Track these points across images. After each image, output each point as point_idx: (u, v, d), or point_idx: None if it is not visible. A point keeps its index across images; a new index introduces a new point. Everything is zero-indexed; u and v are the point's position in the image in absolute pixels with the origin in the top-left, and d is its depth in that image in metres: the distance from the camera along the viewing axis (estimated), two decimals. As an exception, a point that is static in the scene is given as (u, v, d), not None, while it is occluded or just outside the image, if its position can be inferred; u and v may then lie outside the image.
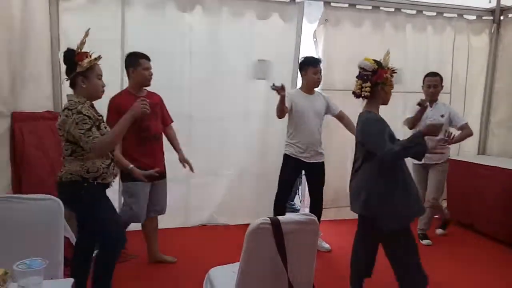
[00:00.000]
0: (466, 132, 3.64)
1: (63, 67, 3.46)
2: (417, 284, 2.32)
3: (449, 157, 3.86)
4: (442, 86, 3.70)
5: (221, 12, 3.83)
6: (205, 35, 3.82)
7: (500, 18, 4.53)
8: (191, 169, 3.07)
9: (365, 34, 4.25)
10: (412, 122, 3.49)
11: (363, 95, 2.36)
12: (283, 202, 3.48)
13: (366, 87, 2.33)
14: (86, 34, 2.23)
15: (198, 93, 3.87)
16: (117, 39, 3.58)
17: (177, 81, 3.80)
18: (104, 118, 2.35)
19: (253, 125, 4.05)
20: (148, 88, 3.00)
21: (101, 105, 2.54)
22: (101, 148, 2.07)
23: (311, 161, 3.36)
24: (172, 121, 3.14)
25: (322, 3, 4.07)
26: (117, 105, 2.73)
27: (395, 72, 2.44)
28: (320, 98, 3.44)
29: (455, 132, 3.48)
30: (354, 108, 4.21)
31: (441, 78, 3.69)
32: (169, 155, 3.43)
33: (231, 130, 4.02)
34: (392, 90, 2.45)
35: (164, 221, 3.80)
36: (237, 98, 3.98)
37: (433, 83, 3.63)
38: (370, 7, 4.21)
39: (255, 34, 3.93)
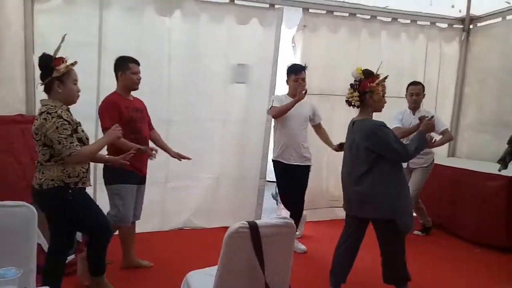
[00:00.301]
0: (446, 136, 3.79)
1: (38, 70, 3.45)
2: (405, 281, 2.48)
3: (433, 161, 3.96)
4: (424, 94, 3.85)
5: (201, 17, 3.85)
6: (184, 39, 3.83)
7: (469, 27, 4.75)
8: (187, 158, 3.12)
9: (342, 40, 4.36)
10: (406, 133, 3.55)
11: (352, 103, 2.48)
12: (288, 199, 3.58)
13: (354, 96, 2.46)
14: (63, 39, 2.22)
15: (176, 97, 3.87)
16: (94, 42, 3.54)
17: (155, 85, 3.77)
18: (81, 123, 2.32)
19: (231, 129, 4.07)
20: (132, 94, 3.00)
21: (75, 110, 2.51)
22: (78, 158, 2.09)
23: (294, 164, 3.40)
24: (153, 128, 3.15)
25: (301, 9, 4.16)
26: (114, 103, 2.75)
27: (383, 81, 2.50)
28: (308, 105, 3.51)
29: (436, 137, 3.61)
30: (329, 112, 4.41)
31: (423, 87, 3.85)
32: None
33: (209, 134, 4.03)
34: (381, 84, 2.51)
35: (141, 225, 3.77)
36: (216, 102, 4.00)
37: (416, 92, 3.78)
38: (347, 14, 4.33)
39: (234, 38, 3.96)
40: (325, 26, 4.28)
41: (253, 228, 1.52)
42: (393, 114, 3.92)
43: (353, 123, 2.55)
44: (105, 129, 2.68)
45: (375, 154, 2.36)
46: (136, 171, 2.80)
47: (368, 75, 2.46)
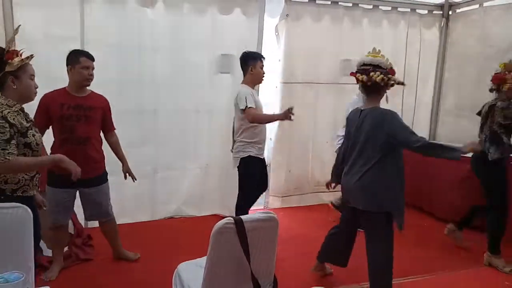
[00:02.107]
0: None
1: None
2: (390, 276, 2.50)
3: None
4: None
5: (183, 8, 3.84)
6: (167, 30, 3.82)
7: (449, 13, 4.83)
8: (133, 178, 3.05)
9: (324, 28, 4.41)
10: None
11: (390, 87, 2.41)
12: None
13: (390, 79, 2.37)
14: (16, 31, 2.10)
15: (162, 88, 3.89)
16: (76, 35, 3.52)
17: (140, 77, 3.79)
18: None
19: (217, 119, 4.12)
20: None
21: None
22: (7, 168, 1.84)
23: (263, 158, 3.33)
24: (114, 128, 3.03)
25: (283, -2, 4.18)
26: (45, 102, 2.67)
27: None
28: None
29: None
30: (312, 100, 4.49)
31: None
32: (135, 150, 3.48)
33: (196, 125, 4.08)
34: (349, 83, 2.55)
35: (132, 216, 3.88)
36: (201, 92, 4.03)
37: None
38: (329, 2, 4.37)
39: (218, 29, 3.97)
40: (307, 14, 4.31)
41: (239, 223, 1.61)
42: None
43: (360, 111, 2.47)
44: None
45: (384, 145, 2.30)
46: (62, 173, 2.38)
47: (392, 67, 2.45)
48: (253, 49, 4.07)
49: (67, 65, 2.76)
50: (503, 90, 3.05)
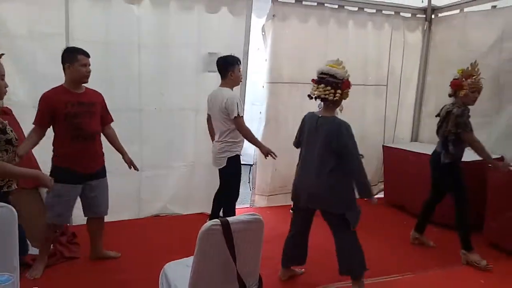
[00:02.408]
0: None
1: (3, 61, 3.35)
2: (361, 272, 2.67)
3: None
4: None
5: (170, 5, 3.83)
6: (154, 28, 3.82)
7: (431, 17, 4.95)
8: (135, 168, 3.10)
9: (311, 29, 4.46)
10: None
11: (331, 100, 2.53)
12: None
13: (337, 93, 2.51)
14: None
15: (148, 86, 3.88)
16: (61, 32, 3.48)
17: (126, 74, 3.78)
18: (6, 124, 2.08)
19: (203, 117, 4.09)
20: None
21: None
22: None
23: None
24: (112, 120, 3.08)
25: (270, -2, 4.20)
26: (47, 99, 2.69)
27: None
28: None
29: None
30: (299, 100, 4.54)
31: None
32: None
33: (182, 123, 4.09)
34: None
35: (117, 214, 3.86)
36: (187, 91, 4.03)
37: None
38: (315, 4, 4.42)
39: (205, 27, 3.98)
40: (294, 15, 4.35)
41: (225, 225, 1.65)
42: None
43: (317, 118, 2.63)
44: (34, 123, 2.67)
45: (335, 151, 2.51)
46: (76, 167, 2.72)
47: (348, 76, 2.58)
48: (240, 48, 4.12)
49: (63, 63, 2.75)
50: (459, 96, 3.18)
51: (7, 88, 2.05)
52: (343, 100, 2.67)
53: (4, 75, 2.01)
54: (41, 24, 3.45)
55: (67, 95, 2.73)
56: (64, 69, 2.76)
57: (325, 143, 2.54)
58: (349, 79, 2.59)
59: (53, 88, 2.76)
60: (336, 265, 2.71)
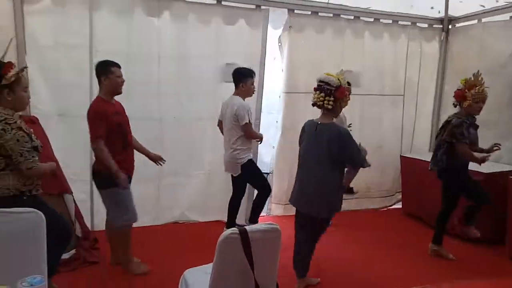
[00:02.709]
0: None
1: (31, 70, 3.50)
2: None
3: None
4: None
5: (189, 17, 3.93)
6: (173, 40, 3.92)
7: (448, 27, 4.94)
8: (163, 161, 3.27)
9: (327, 40, 4.51)
10: None
11: (326, 107, 2.65)
12: None
13: (329, 100, 2.62)
14: (10, 42, 2.25)
15: (167, 97, 3.98)
16: (85, 43, 3.62)
17: (146, 85, 3.88)
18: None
19: (221, 127, 4.20)
20: (123, 95, 3.08)
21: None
22: (36, 173, 2.14)
23: None
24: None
25: (286, 10, 4.27)
26: (103, 112, 2.80)
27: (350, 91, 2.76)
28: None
29: None
30: (315, 109, 4.54)
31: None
32: (141, 156, 3.54)
33: (200, 132, 4.16)
34: (350, 94, 2.79)
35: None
36: (205, 101, 4.12)
37: None
38: (331, 15, 4.47)
39: (222, 39, 4.07)
40: (310, 26, 4.41)
41: (243, 233, 1.69)
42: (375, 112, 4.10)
43: (316, 125, 2.73)
44: (99, 137, 2.75)
45: (337, 158, 2.60)
46: (127, 172, 2.91)
47: (347, 83, 2.67)
48: (256, 58, 4.19)
49: (99, 76, 2.89)
50: (463, 107, 3.22)
51: (29, 99, 2.24)
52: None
53: (27, 87, 2.18)
54: (66, 35, 3.59)
55: (110, 105, 2.88)
56: (100, 82, 2.90)
57: (324, 148, 2.65)
58: (348, 87, 2.71)
59: (96, 101, 2.89)
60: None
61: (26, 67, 2.19)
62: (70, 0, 3.55)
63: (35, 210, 1.86)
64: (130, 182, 3.02)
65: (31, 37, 3.52)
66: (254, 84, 3.69)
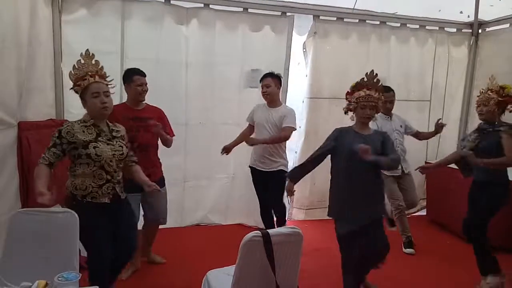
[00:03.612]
0: (428, 133, 4.15)
1: (66, 77, 3.67)
2: None
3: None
4: (395, 99, 3.93)
5: (216, 25, 4.03)
6: (200, 46, 4.03)
7: (478, 32, 4.83)
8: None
9: (352, 45, 4.50)
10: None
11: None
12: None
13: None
14: (84, 53, 2.39)
15: (193, 102, 4.09)
16: (116, 50, 3.77)
17: (173, 90, 4.00)
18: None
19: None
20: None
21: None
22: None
23: (266, 170, 3.51)
24: (174, 135, 3.24)
25: (311, 16, 4.31)
26: (114, 115, 2.79)
27: None
28: (280, 111, 3.54)
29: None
30: (338, 115, 4.53)
31: (394, 93, 3.90)
32: (167, 159, 3.65)
33: (224, 137, 4.19)
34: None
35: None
36: (230, 106, 4.20)
37: (390, 99, 3.80)
38: (357, 20, 4.46)
39: (248, 45, 4.15)
40: (335, 32, 4.42)
41: (265, 236, 1.74)
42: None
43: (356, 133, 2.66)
44: None
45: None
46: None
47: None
48: (281, 64, 4.24)
49: (124, 83, 3.06)
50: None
51: (105, 103, 2.28)
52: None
53: (98, 92, 2.26)
54: (99, 43, 3.73)
55: (125, 110, 3.00)
56: (124, 87, 3.08)
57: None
58: (351, 90, 2.72)
59: (116, 105, 2.94)
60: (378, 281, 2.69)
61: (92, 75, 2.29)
62: (105, 8, 3.71)
63: (69, 210, 1.98)
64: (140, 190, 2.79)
65: (68, 45, 3.71)
66: (267, 87, 3.53)
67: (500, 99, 2.98)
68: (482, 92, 3.13)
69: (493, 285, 2.95)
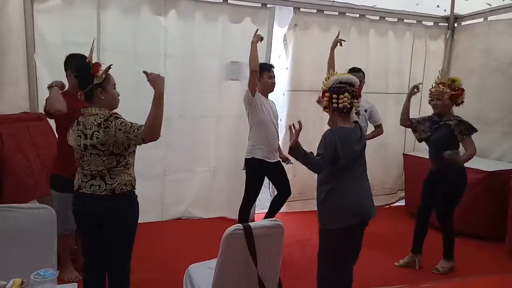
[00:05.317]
0: (378, 130, 3.95)
1: (39, 68, 3.55)
2: None
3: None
4: (364, 82, 3.74)
5: (195, 16, 3.98)
6: (179, 38, 3.97)
7: (454, 25, 4.94)
8: None
9: (332, 38, 4.45)
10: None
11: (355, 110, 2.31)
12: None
13: (357, 102, 2.29)
14: (93, 45, 2.25)
15: (173, 94, 3.98)
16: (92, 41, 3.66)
17: (152, 83, 3.93)
18: None
19: (226, 125, 4.26)
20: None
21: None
22: (150, 132, 2.08)
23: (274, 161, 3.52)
24: None
25: (292, 8, 4.30)
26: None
27: None
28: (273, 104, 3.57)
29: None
30: (318, 108, 4.57)
31: (364, 74, 3.74)
32: (146, 153, 3.58)
33: (205, 130, 4.22)
34: None
35: (141, 216, 3.95)
36: (210, 98, 4.17)
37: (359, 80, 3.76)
38: (336, 13, 4.49)
39: (228, 37, 4.11)
40: (315, 24, 4.43)
41: (247, 229, 1.75)
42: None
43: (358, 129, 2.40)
44: None
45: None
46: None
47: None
48: (261, 56, 4.20)
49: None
50: None
51: (119, 97, 2.23)
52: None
53: (115, 84, 2.20)
54: (74, 34, 3.63)
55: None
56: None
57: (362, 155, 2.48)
58: (323, 88, 2.44)
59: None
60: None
61: (111, 66, 2.17)
62: (79, -2, 3.60)
63: (47, 206, 1.92)
64: None
65: (41, 36, 3.58)
66: (267, 79, 3.43)
67: (453, 92, 3.10)
68: (433, 86, 3.19)
69: (451, 266, 3.26)
